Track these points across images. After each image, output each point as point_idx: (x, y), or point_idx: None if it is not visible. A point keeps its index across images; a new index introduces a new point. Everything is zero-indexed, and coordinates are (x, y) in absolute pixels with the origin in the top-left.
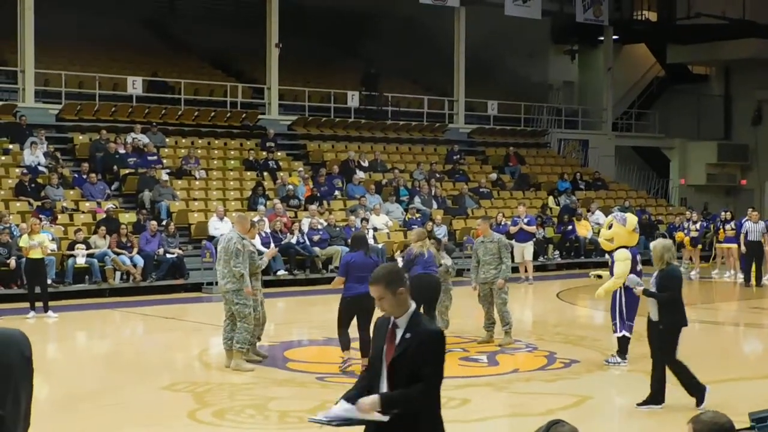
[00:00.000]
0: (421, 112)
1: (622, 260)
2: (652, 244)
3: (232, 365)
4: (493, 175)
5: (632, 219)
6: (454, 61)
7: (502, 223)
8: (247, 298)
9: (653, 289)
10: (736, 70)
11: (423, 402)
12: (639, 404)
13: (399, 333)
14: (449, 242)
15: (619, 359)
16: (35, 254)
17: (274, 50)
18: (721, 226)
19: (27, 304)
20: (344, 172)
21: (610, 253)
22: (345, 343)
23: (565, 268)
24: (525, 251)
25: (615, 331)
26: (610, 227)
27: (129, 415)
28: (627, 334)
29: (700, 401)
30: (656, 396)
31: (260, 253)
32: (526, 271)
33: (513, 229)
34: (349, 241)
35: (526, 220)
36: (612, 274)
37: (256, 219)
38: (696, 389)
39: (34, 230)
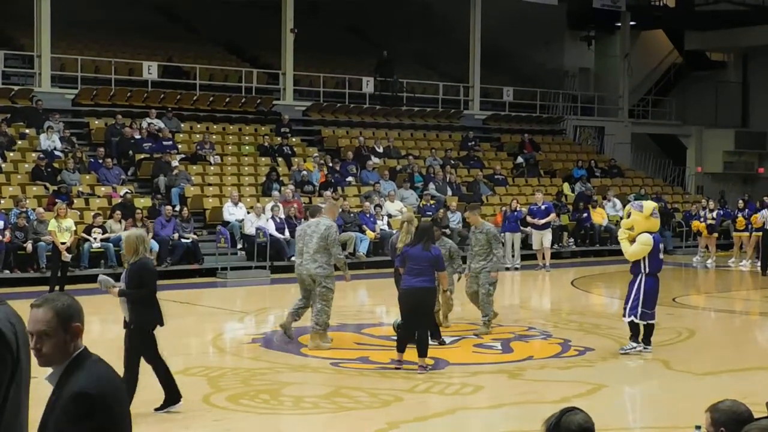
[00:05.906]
0: (436, 99)
1: (641, 243)
2: (123, 234)
3: (311, 345)
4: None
5: (649, 204)
6: (470, 47)
7: (517, 209)
8: (334, 283)
9: (123, 285)
10: (755, 57)
11: None
12: (157, 409)
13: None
14: (463, 229)
15: (634, 344)
16: (63, 239)
17: (289, 36)
18: (738, 214)
19: (43, 288)
20: (358, 158)
21: (634, 241)
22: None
23: (580, 256)
24: (543, 238)
25: (624, 316)
26: (628, 216)
27: (143, 398)
28: (635, 320)
29: (164, 406)
30: (171, 396)
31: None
32: (543, 258)
33: (530, 219)
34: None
35: (544, 207)
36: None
37: (270, 205)
38: (171, 393)
39: (61, 215)
